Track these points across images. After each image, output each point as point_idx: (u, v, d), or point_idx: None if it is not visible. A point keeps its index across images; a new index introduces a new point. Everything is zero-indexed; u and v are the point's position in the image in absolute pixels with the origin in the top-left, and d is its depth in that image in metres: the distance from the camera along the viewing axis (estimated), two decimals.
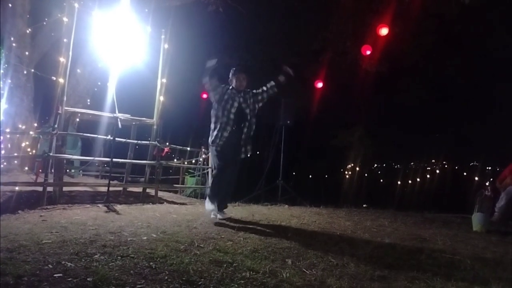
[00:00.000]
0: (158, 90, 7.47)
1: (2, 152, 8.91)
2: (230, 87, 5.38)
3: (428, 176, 28.53)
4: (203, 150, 11.27)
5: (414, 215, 7.55)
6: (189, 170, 13.34)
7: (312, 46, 15.54)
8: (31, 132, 9.60)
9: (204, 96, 17.28)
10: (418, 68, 16.40)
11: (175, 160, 14.89)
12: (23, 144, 9.51)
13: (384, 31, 11.06)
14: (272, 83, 5.53)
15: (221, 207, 5.35)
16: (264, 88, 5.51)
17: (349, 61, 15.11)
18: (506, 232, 6.38)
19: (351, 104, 18.34)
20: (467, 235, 5.79)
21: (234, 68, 5.50)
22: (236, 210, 5.98)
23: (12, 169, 8.82)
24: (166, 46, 7.55)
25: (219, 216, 5.24)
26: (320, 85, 13.78)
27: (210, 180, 5.67)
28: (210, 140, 5.35)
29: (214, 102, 5.37)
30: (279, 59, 16.10)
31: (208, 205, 5.25)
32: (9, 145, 9.24)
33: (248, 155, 5.43)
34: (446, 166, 35.86)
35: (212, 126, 5.36)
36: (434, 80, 17.43)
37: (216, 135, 5.22)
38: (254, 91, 5.51)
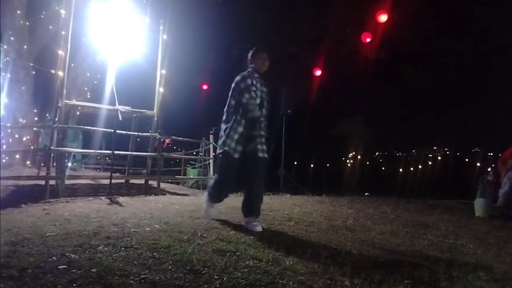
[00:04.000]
0: (158, 81, 7.46)
1: (4, 147, 8.94)
2: (255, 75, 4.46)
3: (430, 163, 28.51)
4: (205, 141, 11.28)
5: (416, 202, 7.56)
6: (191, 162, 13.36)
7: (311, 35, 15.43)
8: (32, 126, 9.61)
9: (204, 87, 17.29)
10: (418, 54, 16.27)
11: (177, 151, 14.90)
12: (24, 138, 9.53)
13: (383, 17, 11.03)
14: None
15: (252, 213, 4.26)
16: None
17: (348, 49, 15.04)
18: (508, 217, 6.40)
19: (351, 92, 18.22)
20: (469, 221, 5.81)
21: (254, 48, 4.66)
22: (238, 200, 5.97)
23: (14, 164, 8.85)
24: (165, 37, 7.53)
25: (255, 226, 4.08)
26: (318, 72, 13.72)
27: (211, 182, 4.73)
28: (223, 143, 4.34)
29: (237, 95, 4.40)
30: (279, 48, 16.05)
31: (208, 211, 4.58)
32: (10, 139, 9.25)
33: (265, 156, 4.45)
34: (448, 152, 35.85)
35: (229, 125, 4.35)
36: (435, 66, 17.29)
37: (238, 139, 4.29)
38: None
